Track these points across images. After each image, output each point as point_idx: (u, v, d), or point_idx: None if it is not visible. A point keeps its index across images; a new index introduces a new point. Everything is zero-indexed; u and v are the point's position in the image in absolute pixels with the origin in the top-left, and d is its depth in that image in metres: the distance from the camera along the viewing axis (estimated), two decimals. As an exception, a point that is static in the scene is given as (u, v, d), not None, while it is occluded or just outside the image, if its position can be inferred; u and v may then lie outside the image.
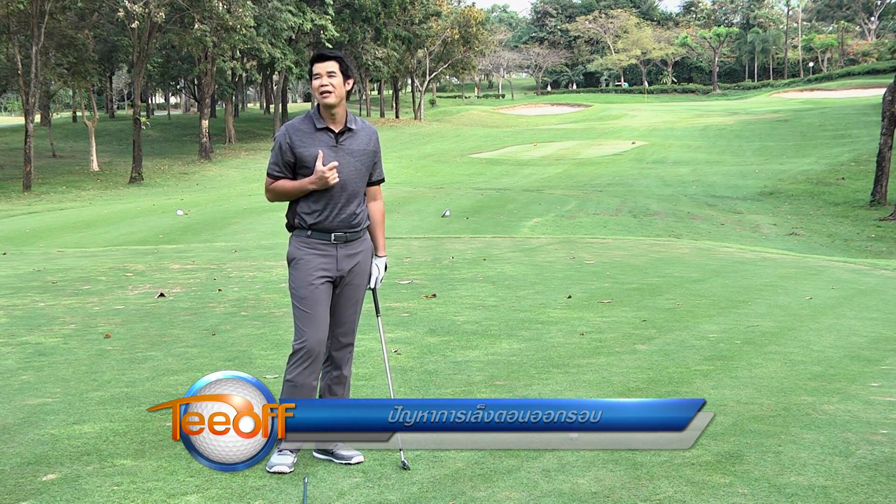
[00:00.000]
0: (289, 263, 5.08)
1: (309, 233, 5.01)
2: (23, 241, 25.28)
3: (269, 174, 5.04)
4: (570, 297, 11.42)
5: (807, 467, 4.88)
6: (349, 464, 5.01)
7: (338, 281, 5.09)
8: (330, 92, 4.93)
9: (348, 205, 5.04)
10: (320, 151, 4.92)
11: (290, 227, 5.10)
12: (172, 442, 5.40)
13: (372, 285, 5.29)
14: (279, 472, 4.86)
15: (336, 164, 4.91)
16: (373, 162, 5.15)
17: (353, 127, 5.06)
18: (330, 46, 79.17)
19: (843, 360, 7.92)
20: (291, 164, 4.98)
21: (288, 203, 5.09)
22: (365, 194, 5.20)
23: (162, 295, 11.92)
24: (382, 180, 5.32)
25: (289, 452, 4.97)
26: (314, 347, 4.96)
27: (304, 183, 4.93)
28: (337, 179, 4.90)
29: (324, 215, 4.98)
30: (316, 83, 4.94)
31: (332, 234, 5.01)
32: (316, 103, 5.04)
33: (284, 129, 5.00)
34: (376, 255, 5.31)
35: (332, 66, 4.94)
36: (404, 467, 4.99)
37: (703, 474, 4.76)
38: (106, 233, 26.74)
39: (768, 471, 4.82)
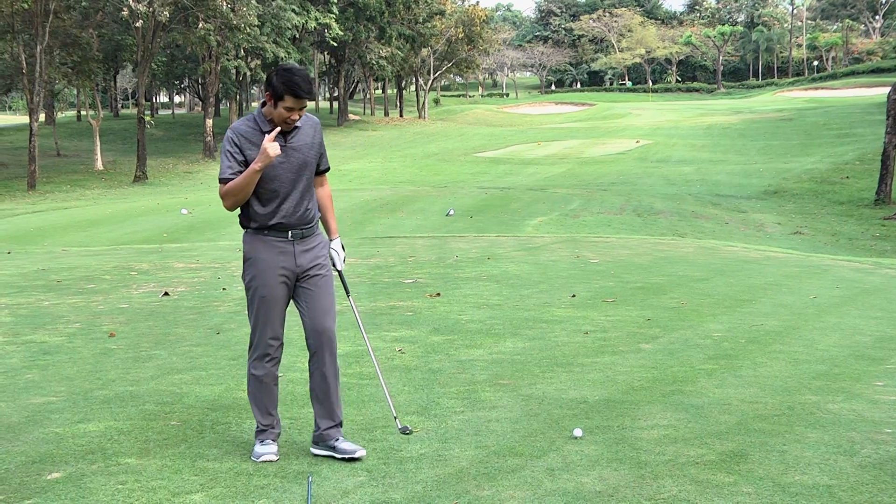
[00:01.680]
0: (245, 261, 5.09)
1: (265, 231, 5.02)
2: (27, 239, 25.31)
3: (221, 180, 4.93)
4: (574, 295, 11.41)
5: (811, 466, 4.88)
6: (353, 458, 5.03)
7: (298, 277, 5.11)
8: (293, 126, 4.97)
9: (302, 200, 5.06)
10: (268, 135, 4.88)
11: (245, 226, 5.08)
12: (177, 440, 5.41)
13: (339, 267, 5.36)
14: (267, 461, 4.99)
15: (275, 133, 4.87)
16: (319, 154, 5.17)
17: (298, 124, 5.05)
18: (334, 45, 79.30)
19: (848, 359, 7.91)
20: (243, 167, 4.92)
21: (241, 209, 5.07)
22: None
23: (166, 294, 11.93)
24: (328, 169, 5.31)
25: (270, 441, 5.03)
26: (272, 345, 5.10)
27: (251, 169, 4.84)
28: (279, 151, 4.83)
29: (279, 213, 5.00)
30: (286, 114, 4.88)
31: (290, 232, 5.04)
32: (261, 107, 5.01)
33: (231, 133, 4.94)
34: (330, 237, 5.34)
35: (306, 104, 4.94)
36: (405, 431, 5.05)
37: (707, 473, 4.76)
38: (110, 232, 26.77)
39: (773, 470, 4.82)
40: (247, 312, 5.19)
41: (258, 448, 5.07)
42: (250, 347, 5.14)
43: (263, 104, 4.99)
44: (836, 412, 6.02)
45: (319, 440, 5.16)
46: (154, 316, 10.21)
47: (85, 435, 5.53)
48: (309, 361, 5.22)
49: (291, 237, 5.04)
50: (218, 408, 6.14)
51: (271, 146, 4.79)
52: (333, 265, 5.32)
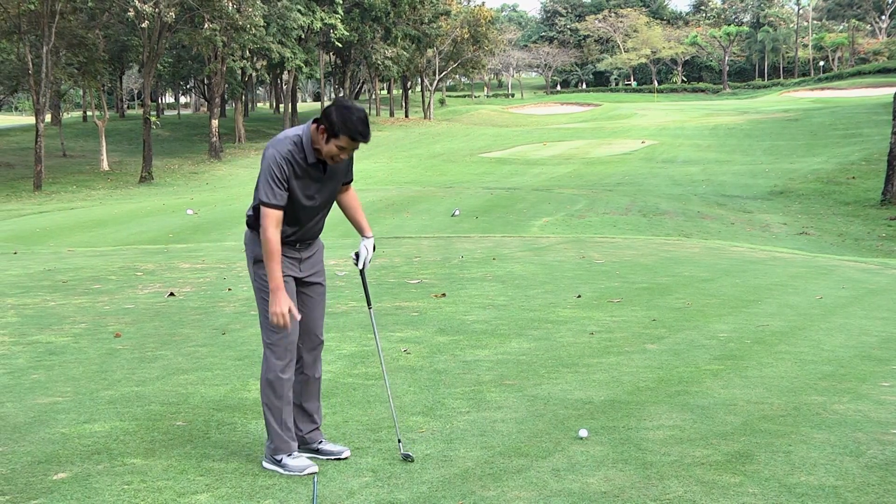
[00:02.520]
0: (255, 262, 4.99)
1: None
2: (33, 240, 25.36)
3: (273, 205, 4.74)
4: (579, 296, 11.41)
5: (817, 467, 4.87)
6: (339, 459, 5.04)
7: (299, 282, 5.09)
8: (339, 161, 4.86)
9: (320, 221, 5.08)
10: (294, 307, 4.82)
11: (256, 226, 4.93)
12: (182, 441, 5.41)
13: (361, 266, 5.27)
14: (312, 472, 4.87)
15: (297, 318, 4.87)
16: (348, 169, 5.11)
17: None
18: (340, 46, 79.34)
19: (854, 359, 7.90)
20: (284, 192, 4.79)
21: (254, 210, 4.90)
22: None
23: (172, 294, 11.94)
24: (351, 180, 5.23)
25: (297, 453, 4.98)
26: (293, 341, 5.01)
27: (276, 284, 4.77)
28: (287, 321, 4.80)
29: (299, 232, 5.00)
30: (337, 152, 4.76)
31: (298, 244, 5.04)
32: (308, 132, 4.81)
33: (279, 157, 4.74)
34: (363, 236, 5.25)
35: (358, 147, 4.84)
36: (407, 458, 5.01)
37: (713, 474, 4.75)
38: (116, 232, 26.81)
39: (778, 470, 4.81)
40: (259, 315, 5.05)
41: (296, 462, 4.93)
42: (267, 349, 4.98)
43: (316, 123, 4.81)
44: (843, 413, 6.01)
45: (301, 443, 5.14)
46: (160, 316, 10.22)
47: (91, 435, 5.54)
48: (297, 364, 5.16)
49: (298, 247, 5.04)
50: (223, 408, 6.15)
51: (282, 316, 4.77)
52: (356, 262, 5.24)
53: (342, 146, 4.74)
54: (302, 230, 4.99)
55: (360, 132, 4.73)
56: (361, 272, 5.36)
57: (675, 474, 4.75)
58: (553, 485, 4.62)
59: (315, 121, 4.81)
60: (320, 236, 5.25)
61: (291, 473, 4.86)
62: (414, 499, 4.47)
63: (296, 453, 4.98)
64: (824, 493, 4.50)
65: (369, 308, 5.49)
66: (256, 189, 4.85)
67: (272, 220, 4.74)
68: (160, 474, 4.82)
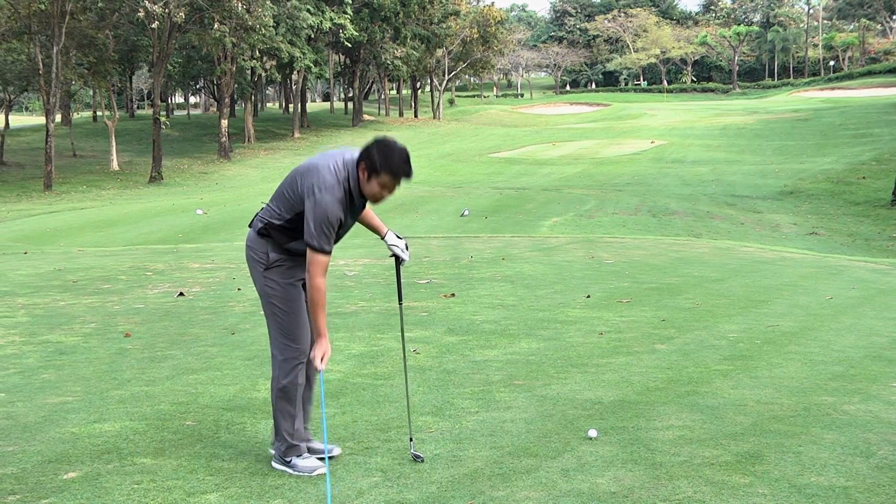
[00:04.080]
0: (268, 268, 4.92)
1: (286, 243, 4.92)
2: (44, 240, 25.43)
3: (326, 252, 4.67)
4: (588, 296, 11.40)
5: (827, 468, 4.86)
6: (332, 456, 5.04)
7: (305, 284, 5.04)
8: (383, 200, 4.81)
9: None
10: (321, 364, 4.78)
11: (268, 236, 4.89)
12: (192, 440, 5.42)
13: (405, 258, 5.19)
14: (322, 473, 4.86)
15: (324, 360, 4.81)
16: None
17: None
18: (349, 45, 79.42)
19: (864, 360, 7.88)
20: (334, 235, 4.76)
21: (280, 222, 4.84)
22: None
23: (182, 294, 11.97)
24: None
25: (307, 454, 4.98)
26: (307, 349, 4.98)
27: (322, 332, 4.74)
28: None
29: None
30: (379, 190, 4.70)
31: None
32: (355, 178, 4.72)
33: (337, 206, 4.64)
34: (382, 234, 5.18)
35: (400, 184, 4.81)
36: (417, 458, 5.00)
37: (722, 474, 4.75)
38: (126, 232, 26.87)
39: (788, 471, 4.80)
40: (266, 319, 5.01)
41: (305, 462, 4.94)
42: (278, 355, 4.95)
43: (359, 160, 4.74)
44: (853, 413, 5.99)
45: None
46: (169, 316, 10.24)
47: (101, 435, 5.55)
48: None
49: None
50: (233, 408, 6.16)
51: (322, 361, 4.75)
52: (398, 259, 5.18)
53: (384, 184, 4.68)
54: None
55: (403, 171, 4.68)
56: (398, 268, 5.30)
57: (684, 475, 4.75)
58: (562, 485, 4.62)
59: (359, 159, 4.73)
60: None
61: (301, 474, 4.87)
62: (423, 499, 4.47)
63: (305, 454, 4.98)
64: (834, 493, 4.49)
65: (400, 304, 5.43)
66: (284, 197, 4.81)
67: (322, 268, 4.67)
68: (170, 474, 4.82)
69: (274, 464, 4.99)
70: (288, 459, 4.93)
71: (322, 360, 4.73)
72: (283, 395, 4.94)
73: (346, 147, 4.89)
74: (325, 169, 4.69)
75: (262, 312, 5.08)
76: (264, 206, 5.00)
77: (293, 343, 4.93)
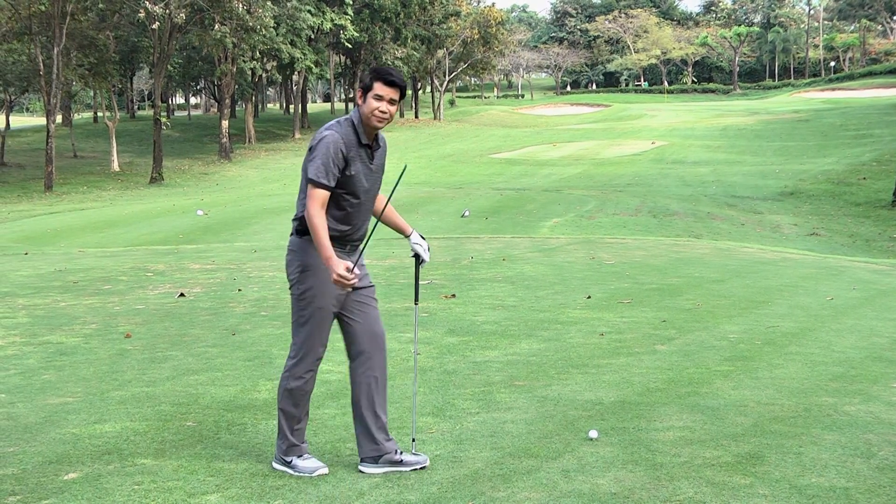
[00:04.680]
0: (304, 271, 4.87)
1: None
2: (44, 241, 25.43)
3: (321, 184, 4.69)
4: (589, 297, 11.40)
5: (828, 468, 4.86)
6: (423, 468, 4.94)
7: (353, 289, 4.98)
8: (386, 119, 4.85)
9: (368, 218, 5.02)
10: (350, 265, 4.70)
11: (305, 231, 4.86)
12: (192, 441, 5.42)
13: (426, 258, 5.22)
14: (322, 474, 4.86)
15: (357, 278, 4.75)
16: (383, 169, 5.11)
17: (380, 143, 4.99)
18: (350, 46, 79.42)
19: (865, 360, 7.88)
20: (337, 176, 4.75)
21: (304, 210, 4.79)
22: None
23: (182, 295, 11.97)
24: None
25: (308, 454, 4.97)
26: (321, 356, 4.98)
27: (327, 254, 4.65)
28: (350, 285, 4.68)
29: (350, 231, 4.92)
30: (375, 105, 4.77)
31: (348, 245, 4.95)
32: (356, 114, 4.84)
33: (338, 136, 4.74)
34: (407, 234, 5.19)
35: (396, 94, 4.83)
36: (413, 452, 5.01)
37: (723, 475, 4.75)
38: (126, 233, 26.87)
39: (789, 472, 4.80)
40: (294, 322, 4.96)
41: (306, 463, 4.91)
42: (295, 358, 4.92)
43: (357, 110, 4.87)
44: (853, 414, 5.99)
45: (378, 454, 4.94)
46: (170, 317, 10.24)
47: (101, 435, 5.55)
48: (355, 369, 5.03)
49: (349, 249, 4.96)
50: (234, 409, 6.16)
51: (350, 284, 4.66)
52: (418, 258, 5.20)
53: (379, 95, 4.77)
54: (353, 228, 4.92)
55: (388, 72, 4.81)
56: (417, 268, 5.31)
57: (685, 475, 4.75)
58: (563, 486, 4.62)
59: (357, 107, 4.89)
60: None
61: (301, 474, 4.85)
62: (424, 500, 4.47)
63: (306, 455, 4.96)
64: (835, 494, 4.49)
65: (416, 304, 5.36)
66: (303, 188, 4.82)
67: (319, 201, 4.70)
68: (170, 475, 4.82)
69: (274, 464, 4.98)
70: (289, 459, 4.91)
71: (345, 280, 4.62)
72: (290, 397, 4.93)
73: None
74: (324, 126, 4.87)
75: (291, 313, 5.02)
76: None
77: (310, 350, 4.91)
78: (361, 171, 4.84)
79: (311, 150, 4.78)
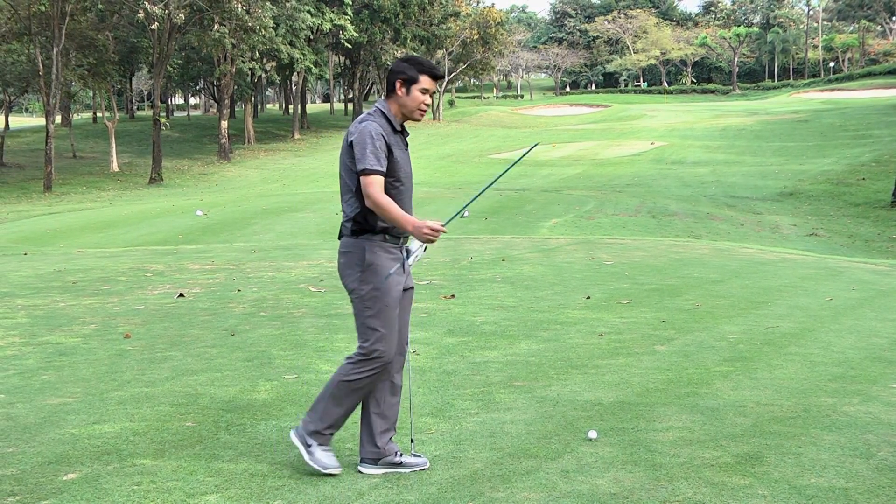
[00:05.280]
0: (366, 270, 4.79)
1: (385, 237, 4.81)
2: (43, 241, 25.43)
3: (375, 170, 4.66)
4: (588, 297, 11.40)
5: (827, 469, 4.86)
6: (424, 469, 4.93)
7: None
8: (425, 112, 4.94)
9: (412, 204, 4.99)
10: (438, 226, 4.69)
11: (361, 230, 4.80)
12: (192, 442, 5.42)
13: (410, 260, 5.07)
14: (333, 474, 4.84)
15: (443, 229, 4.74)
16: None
17: (406, 130, 4.99)
18: (349, 47, 79.44)
19: (864, 361, 7.88)
20: (385, 161, 4.75)
21: (358, 205, 4.77)
22: None
23: (181, 295, 11.96)
24: None
25: (329, 448, 4.92)
26: (392, 358, 4.89)
27: (408, 222, 4.67)
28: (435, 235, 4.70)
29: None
30: (422, 98, 4.81)
31: (401, 238, 4.89)
32: (384, 105, 4.85)
33: (376, 124, 4.74)
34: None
35: (437, 87, 4.88)
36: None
37: (722, 475, 4.74)
38: (126, 233, 26.86)
39: (788, 472, 4.80)
40: (360, 324, 4.85)
41: (324, 455, 4.89)
42: (365, 356, 4.82)
43: (388, 96, 4.87)
44: (853, 414, 5.99)
45: (378, 457, 4.92)
46: (169, 317, 10.24)
47: (100, 436, 5.55)
48: None
49: (401, 242, 4.90)
50: (233, 409, 6.16)
51: (438, 230, 4.67)
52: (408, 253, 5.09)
53: (426, 88, 4.81)
54: (406, 210, 4.88)
55: (434, 66, 4.87)
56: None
57: (684, 476, 4.74)
58: (562, 486, 4.62)
59: (386, 93, 4.88)
60: None
61: (313, 464, 4.82)
62: (423, 500, 4.47)
63: (328, 448, 4.89)
64: (834, 495, 4.49)
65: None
66: (350, 187, 4.79)
67: (378, 186, 4.67)
68: (169, 475, 4.82)
69: (293, 435, 4.89)
70: (310, 443, 4.84)
71: (434, 233, 4.66)
72: (354, 394, 4.85)
73: None
74: (358, 118, 4.83)
75: (353, 312, 4.91)
76: (342, 212, 4.93)
77: (378, 348, 4.82)
78: (401, 156, 4.84)
79: (350, 144, 4.75)
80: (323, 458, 4.86)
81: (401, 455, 4.95)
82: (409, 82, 4.79)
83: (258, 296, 11.84)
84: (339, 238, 4.94)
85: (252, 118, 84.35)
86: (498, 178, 5.30)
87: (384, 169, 4.70)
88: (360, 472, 4.90)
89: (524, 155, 5.08)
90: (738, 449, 5.20)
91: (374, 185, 4.67)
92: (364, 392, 4.89)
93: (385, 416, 4.97)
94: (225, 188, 53.33)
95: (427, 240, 4.69)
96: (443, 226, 4.70)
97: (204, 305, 11.10)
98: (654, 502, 4.39)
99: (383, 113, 4.83)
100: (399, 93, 4.82)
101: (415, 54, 4.90)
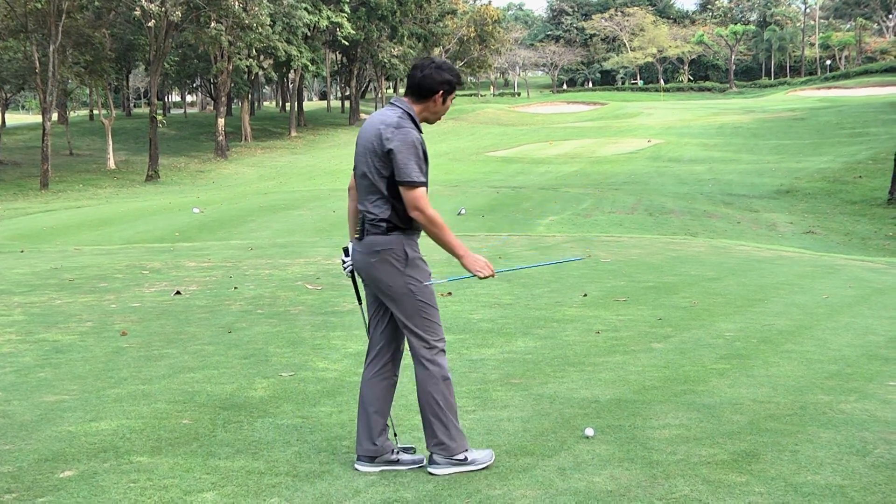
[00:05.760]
0: (407, 263, 4.81)
1: (414, 233, 4.85)
2: (40, 238, 25.40)
3: (422, 182, 4.66)
4: (585, 295, 11.40)
5: (823, 466, 4.86)
6: (421, 466, 4.94)
7: None
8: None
9: None
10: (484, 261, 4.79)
11: (394, 227, 4.77)
12: (188, 439, 5.42)
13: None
14: (492, 459, 4.89)
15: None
16: None
17: None
18: (346, 44, 79.43)
19: (860, 358, 7.89)
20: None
21: (388, 204, 4.72)
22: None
23: (178, 293, 11.96)
24: None
25: (468, 447, 4.89)
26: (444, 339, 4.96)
27: (459, 246, 4.78)
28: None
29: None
30: (448, 106, 4.89)
31: (419, 233, 4.93)
32: (408, 106, 4.80)
33: (419, 137, 4.71)
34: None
35: None
36: (408, 451, 5.00)
37: (719, 473, 4.75)
38: (122, 231, 26.84)
39: (785, 470, 4.80)
40: (413, 317, 4.84)
41: (482, 454, 4.89)
42: (435, 349, 4.86)
43: (413, 97, 4.84)
44: (849, 412, 6.00)
45: (375, 455, 4.90)
46: (166, 315, 10.24)
47: (97, 433, 5.55)
48: (381, 367, 4.98)
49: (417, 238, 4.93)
50: (229, 406, 6.16)
51: (487, 267, 4.78)
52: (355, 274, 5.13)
53: (453, 97, 4.91)
54: None
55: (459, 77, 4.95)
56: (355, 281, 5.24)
57: (681, 473, 4.75)
58: (559, 483, 4.62)
59: (414, 96, 4.82)
60: None
61: (485, 464, 4.83)
62: (420, 497, 4.47)
63: (468, 447, 4.88)
64: (830, 492, 4.49)
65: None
66: (381, 189, 4.73)
67: (426, 200, 4.68)
68: (166, 472, 4.82)
69: (436, 471, 4.80)
70: (461, 457, 4.81)
71: (488, 269, 4.76)
72: (447, 389, 4.84)
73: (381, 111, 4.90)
74: (385, 117, 4.76)
75: (399, 315, 4.86)
76: (364, 213, 4.83)
77: (438, 334, 4.87)
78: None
79: (388, 151, 4.65)
80: (481, 455, 4.89)
81: (397, 453, 4.96)
82: (449, 92, 4.83)
83: (255, 293, 11.83)
84: (361, 239, 4.85)
85: (249, 116, 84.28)
86: (539, 265, 5.39)
87: (427, 180, 4.72)
88: (356, 469, 4.90)
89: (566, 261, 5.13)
90: (734, 446, 5.21)
91: (424, 199, 4.67)
92: (450, 382, 4.88)
93: (383, 415, 4.97)
94: (222, 186, 53.30)
95: (477, 274, 4.73)
96: (488, 265, 4.78)
97: (201, 303, 11.10)
98: (650, 500, 4.40)
99: (411, 116, 4.79)
100: (437, 100, 4.82)
101: (434, 58, 4.82)
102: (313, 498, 4.47)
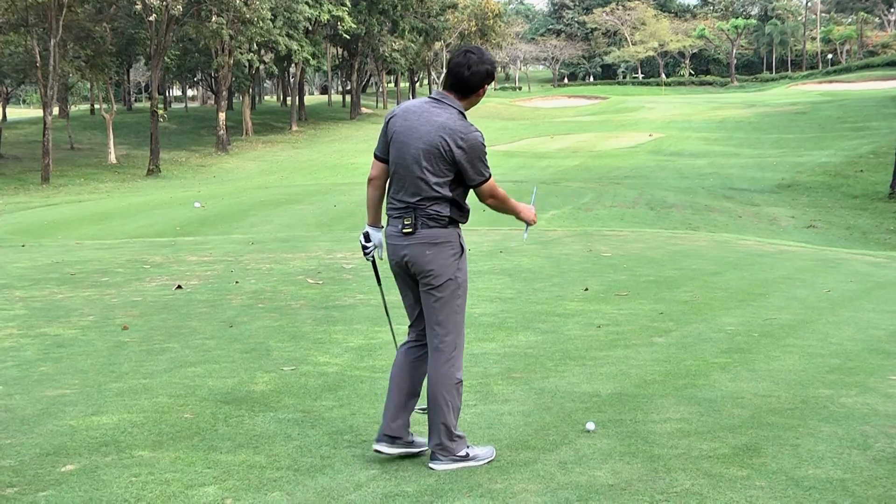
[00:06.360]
0: (459, 257, 4.90)
1: (462, 225, 4.97)
2: (41, 233, 25.39)
3: (491, 174, 4.93)
4: (587, 289, 11.40)
5: (825, 460, 4.87)
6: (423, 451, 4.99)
7: None
8: None
9: None
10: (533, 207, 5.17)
11: (455, 220, 4.88)
12: (190, 433, 5.42)
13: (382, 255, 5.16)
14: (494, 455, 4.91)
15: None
16: None
17: None
18: (347, 38, 79.37)
19: (862, 352, 7.89)
20: None
21: (447, 200, 4.79)
22: None
23: (179, 287, 11.96)
24: None
25: (467, 443, 4.90)
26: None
27: (521, 206, 5.11)
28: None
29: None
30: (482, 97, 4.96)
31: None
32: (459, 104, 4.86)
33: (478, 132, 4.84)
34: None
35: None
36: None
37: (720, 467, 4.75)
38: (124, 225, 26.84)
39: (786, 464, 4.81)
40: (447, 312, 4.85)
41: (483, 451, 4.92)
42: (455, 349, 4.85)
43: (457, 91, 4.90)
44: (850, 406, 6.00)
45: (399, 436, 4.91)
46: (167, 309, 10.24)
47: (98, 427, 5.55)
48: (420, 356, 4.99)
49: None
50: (231, 401, 6.16)
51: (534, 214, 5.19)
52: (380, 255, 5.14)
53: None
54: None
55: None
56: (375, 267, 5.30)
57: (682, 467, 4.75)
58: (560, 478, 4.62)
59: (459, 93, 4.87)
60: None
61: (486, 460, 4.85)
62: (421, 491, 4.47)
63: (467, 443, 4.90)
64: (832, 486, 4.49)
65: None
66: (423, 187, 4.76)
67: (496, 184, 4.95)
68: (168, 466, 4.82)
69: (437, 466, 4.79)
70: (463, 454, 4.81)
71: (533, 215, 5.17)
72: (458, 389, 4.84)
73: (414, 101, 4.97)
74: (446, 120, 4.79)
75: (435, 306, 4.85)
76: (415, 206, 4.80)
77: (462, 335, 4.91)
78: None
79: (465, 150, 4.78)
80: (484, 451, 4.91)
81: (412, 435, 5.00)
82: (489, 82, 4.91)
83: (256, 288, 11.83)
84: (412, 233, 4.79)
85: (250, 110, 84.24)
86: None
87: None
88: (376, 451, 4.90)
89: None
90: (735, 440, 5.21)
91: (495, 186, 4.94)
92: (461, 385, 4.90)
93: (415, 396, 5.03)
94: (223, 180, 53.28)
95: (533, 221, 5.14)
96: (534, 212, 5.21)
97: (202, 297, 11.10)
98: (651, 493, 4.40)
99: (463, 115, 4.86)
100: (480, 94, 4.90)
101: (470, 48, 4.83)
102: (315, 492, 4.47)
